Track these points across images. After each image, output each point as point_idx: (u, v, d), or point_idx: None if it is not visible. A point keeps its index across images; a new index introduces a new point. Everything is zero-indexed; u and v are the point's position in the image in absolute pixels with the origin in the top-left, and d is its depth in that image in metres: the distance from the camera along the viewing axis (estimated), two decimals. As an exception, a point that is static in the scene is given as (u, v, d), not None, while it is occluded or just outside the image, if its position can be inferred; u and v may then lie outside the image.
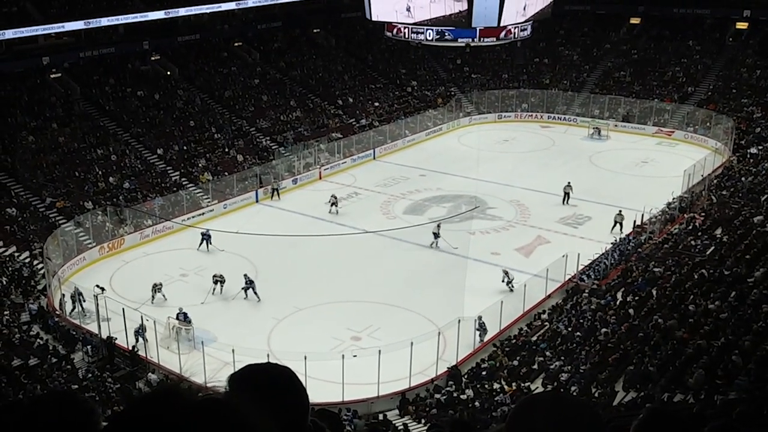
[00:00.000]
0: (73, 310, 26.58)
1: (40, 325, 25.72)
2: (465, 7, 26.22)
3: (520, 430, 1.84)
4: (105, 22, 42.63)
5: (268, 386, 1.82)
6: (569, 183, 36.19)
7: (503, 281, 26.89)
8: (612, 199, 34.85)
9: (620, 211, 32.73)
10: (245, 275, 27.20)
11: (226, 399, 1.50)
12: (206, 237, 31.51)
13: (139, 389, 22.18)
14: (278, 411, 1.74)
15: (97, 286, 26.11)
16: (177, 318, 24.66)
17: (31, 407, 1.71)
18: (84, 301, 26.47)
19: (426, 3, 26.81)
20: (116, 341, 24.02)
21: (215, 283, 27.22)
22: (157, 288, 26.82)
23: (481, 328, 24.13)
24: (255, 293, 27.17)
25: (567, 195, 36.04)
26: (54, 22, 40.93)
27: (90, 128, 39.90)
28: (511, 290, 26.59)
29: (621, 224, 32.45)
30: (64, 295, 26.99)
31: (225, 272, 28.12)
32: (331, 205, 35.71)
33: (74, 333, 25.20)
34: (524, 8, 27.44)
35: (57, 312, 26.45)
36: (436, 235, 31.38)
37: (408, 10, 27.13)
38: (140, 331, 24.02)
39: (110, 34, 46.02)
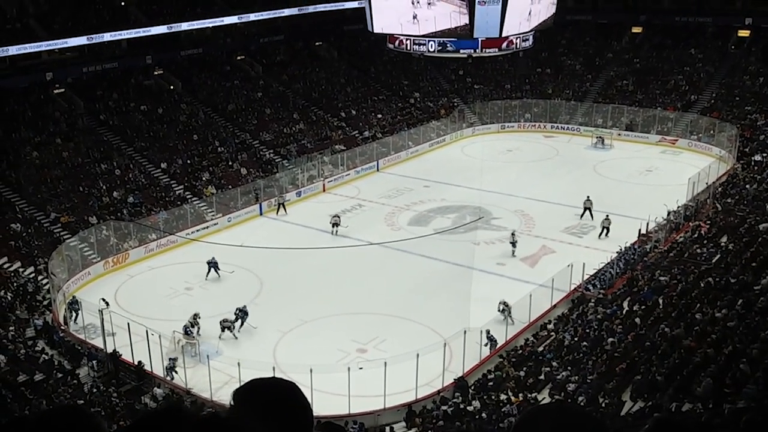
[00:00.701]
0: (69, 320, 26.61)
1: (45, 340, 25.71)
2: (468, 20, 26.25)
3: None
4: (108, 37, 42.88)
5: (273, 401, 1.83)
6: (588, 197, 35.57)
7: (499, 310, 25.49)
8: (616, 208, 34.77)
9: (607, 215, 33.08)
10: (236, 311, 25.76)
11: (229, 416, 1.50)
12: (213, 264, 30.03)
13: (145, 404, 22.13)
14: (282, 426, 1.75)
15: (102, 299, 26.10)
16: (182, 332, 24.65)
17: (40, 421, 1.71)
18: (76, 317, 26.41)
19: (431, 16, 26.82)
20: (121, 356, 23.97)
21: (223, 330, 25.37)
22: (196, 319, 25.07)
23: (491, 340, 24.05)
24: (240, 327, 25.63)
25: (587, 210, 35.36)
26: (57, 38, 41.19)
27: (94, 143, 40.02)
28: (511, 320, 25.41)
29: (608, 229, 32.55)
30: (66, 309, 27.00)
31: (228, 287, 28.00)
32: (333, 226, 34.63)
33: (79, 348, 25.20)
34: (529, 15, 27.45)
35: (62, 327, 26.46)
36: (513, 244, 31.32)
37: (414, 17, 27.08)
38: (171, 366, 23.13)
39: (113, 49, 46.23)
